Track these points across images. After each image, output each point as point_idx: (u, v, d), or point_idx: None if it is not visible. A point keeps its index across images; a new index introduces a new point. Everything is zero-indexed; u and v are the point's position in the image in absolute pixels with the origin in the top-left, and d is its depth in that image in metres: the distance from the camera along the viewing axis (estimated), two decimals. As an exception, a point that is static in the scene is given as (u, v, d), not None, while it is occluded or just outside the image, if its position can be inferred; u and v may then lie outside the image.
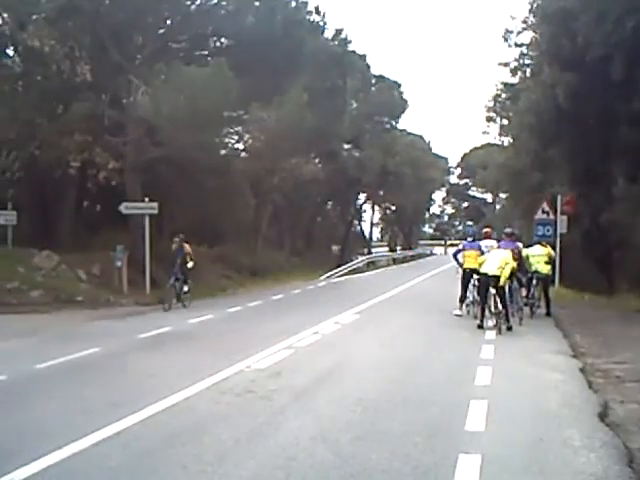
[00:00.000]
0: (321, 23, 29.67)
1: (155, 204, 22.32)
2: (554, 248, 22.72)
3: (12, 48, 23.63)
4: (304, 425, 7.04)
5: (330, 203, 54.86)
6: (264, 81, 23.60)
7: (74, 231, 25.98)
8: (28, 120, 22.37)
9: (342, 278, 36.01)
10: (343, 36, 34.34)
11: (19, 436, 6.69)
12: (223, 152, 31.54)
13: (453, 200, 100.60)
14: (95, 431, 6.66)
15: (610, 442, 6.49)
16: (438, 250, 72.48)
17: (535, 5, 25.21)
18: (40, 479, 5.49)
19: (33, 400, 8.19)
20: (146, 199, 22.45)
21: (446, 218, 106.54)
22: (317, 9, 28.85)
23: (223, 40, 26.84)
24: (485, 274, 14.48)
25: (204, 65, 22.43)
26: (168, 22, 25.19)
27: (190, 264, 19.46)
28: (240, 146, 32.54)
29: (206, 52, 26.53)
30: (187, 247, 19.64)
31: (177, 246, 19.49)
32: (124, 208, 22.59)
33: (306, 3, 27.65)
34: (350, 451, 6.17)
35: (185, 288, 19.35)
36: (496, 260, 14.48)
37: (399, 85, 55.05)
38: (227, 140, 31.46)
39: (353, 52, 40.67)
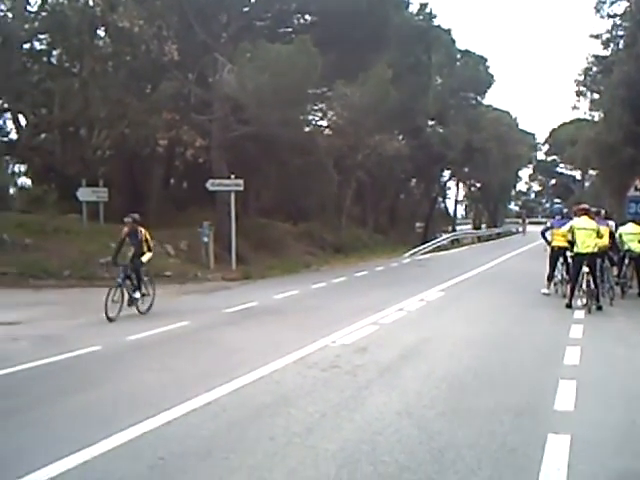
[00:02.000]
0: (405, -2, 29.39)
1: (241, 181, 22.62)
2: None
3: (103, 29, 24.20)
4: (389, 400, 7.06)
5: (414, 180, 54.38)
6: (348, 57, 23.52)
7: (162, 207, 26.66)
8: (118, 99, 22.97)
9: (426, 255, 35.74)
10: (428, 11, 34.05)
11: (114, 404, 6.94)
12: (307, 129, 31.71)
13: (540, 177, 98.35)
14: (186, 401, 6.87)
15: None
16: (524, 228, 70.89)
17: (630, -26, 24.26)
18: (136, 444, 5.69)
19: (126, 370, 8.48)
20: (232, 176, 22.77)
21: (533, 196, 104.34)
22: (402, -16, 28.57)
23: (307, 17, 26.88)
24: (579, 253, 14.11)
25: (288, 42, 22.50)
26: (252, 0, 25.36)
27: (146, 256, 13.60)
28: (324, 123, 32.66)
29: (290, 29, 26.60)
30: (144, 232, 13.69)
31: (129, 230, 13.48)
32: (210, 185, 23.00)
33: (390, -22, 27.33)
34: (436, 427, 6.16)
35: (137, 294, 13.34)
36: (590, 238, 14.09)
37: (485, 60, 53.95)
38: (311, 117, 31.61)
39: (438, 27, 40.14)
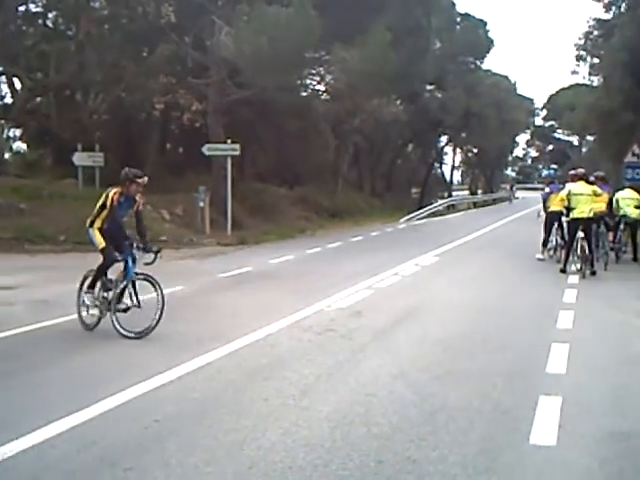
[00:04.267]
0: (405, -40, 28.94)
1: (237, 146, 22.52)
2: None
3: (99, -9, 23.98)
4: (384, 363, 7.13)
5: (411, 145, 54.21)
6: (347, 20, 23.23)
7: (158, 172, 26.53)
8: (114, 63, 22.79)
9: (422, 221, 35.78)
10: (427, -27, 33.45)
11: (109, 368, 7.03)
12: (304, 94, 31.49)
13: (537, 143, 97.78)
14: (180, 364, 6.93)
15: (697, 390, 6.36)
16: (520, 194, 70.59)
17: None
18: (131, 407, 5.76)
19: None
20: (228, 141, 22.67)
21: (529, 161, 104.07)
22: (401, -55, 28.11)
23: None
24: (575, 218, 14.12)
25: (287, 5, 22.23)
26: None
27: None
28: (321, 87, 32.40)
29: (289, -9, 26.28)
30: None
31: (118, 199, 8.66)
32: (206, 150, 22.91)
33: (389, -61, 26.93)
34: (429, 389, 6.23)
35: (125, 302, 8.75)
36: (586, 203, 14.10)
37: (485, 24, 53.32)
38: (308, 81, 31.36)
39: (438, -11, 39.62)
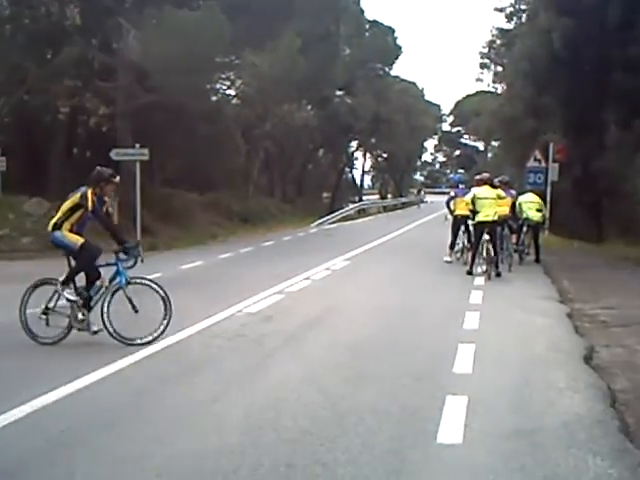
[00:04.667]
0: (314, -34, 29.17)
1: (146, 150, 22.12)
2: (545, 195, 22.89)
3: (-1, -10, 23.23)
4: (294, 368, 7.14)
5: (322, 150, 54.58)
6: (257, 26, 23.20)
7: (64, 177, 25.82)
8: (16, 64, 22.07)
9: (333, 225, 36.07)
10: (337, -20, 33.81)
11: (9, 379, 6.79)
12: (214, 98, 31.29)
13: (445, 148, 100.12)
14: (89, 373, 6.76)
15: (594, 384, 6.62)
16: (429, 198, 71.93)
17: (531, -51, 24.84)
18: (31, 419, 5.58)
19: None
20: (137, 145, 22.27)
21: (437, 166, 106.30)
22: (310, -48, 28.33)
23: (216, -17, 26.37)
24: (480, 222, 14.51)
25: (196, 9, 22.06)
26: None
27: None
28: (232, 92, 32.33)
29: (198, -5, 26.07)
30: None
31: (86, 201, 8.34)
32: (114, 154, 22.39)
33: (299, -54, 27.10)
34: (339, 392, 6.28)
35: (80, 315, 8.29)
36: (491, 207, 14.51)
37: (393, 31, 54.26)
38: (219, 86, 31.21)
39: (347, -4, 40.08)
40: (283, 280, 13.22)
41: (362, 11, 48.14)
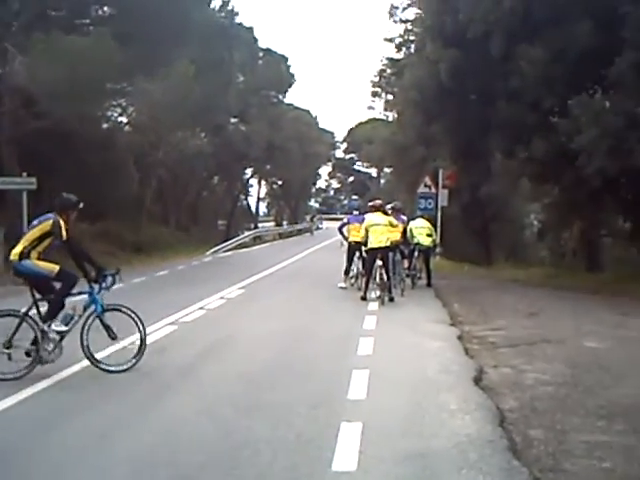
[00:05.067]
0: (207, -6, 29.30)
1: (33, 179, 21.39)
2: (435, 221, 23.52)
3: None
4: (188, 400, 7.03)
5: (216, 178, 54.30)
6: (149, 52, 23.00)
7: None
8: None
9: (228, 253, 35.84)
10: (229, 8, 34.02)
11: None
12: (106, 125, 30.71)
13: (339, 174, 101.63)
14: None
15: (484, 404, 6.81)
16: (325, 224, 72.60)
17: (419, -18, 25.63)
18: None
19: None
20: (24, 174, 21.52)
21: (332, 192, 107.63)
22: (203, -21, 28.46)
23: (105, 9, 25.99)
24: (373, 247, 14.74)
25: (85, 34, 21.65)
26: (46, -12, 24.18)
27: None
28: (124, 119, 31.79)
29: (87, 21, 25.59)
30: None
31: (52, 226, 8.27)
32: (0, 183, 21.61)
33: (192, -27, 27.17)
34: (234, 424, 6.22)
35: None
36: (383, 233, 14.77)
37: (286, 59, 54.95)
38: (110, 113, 30.66)
39: (240, 24, 40.29)
40: (177, 310, 12.99)
41: (255, 39, 48.54)
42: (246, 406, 6.78)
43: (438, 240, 21.45)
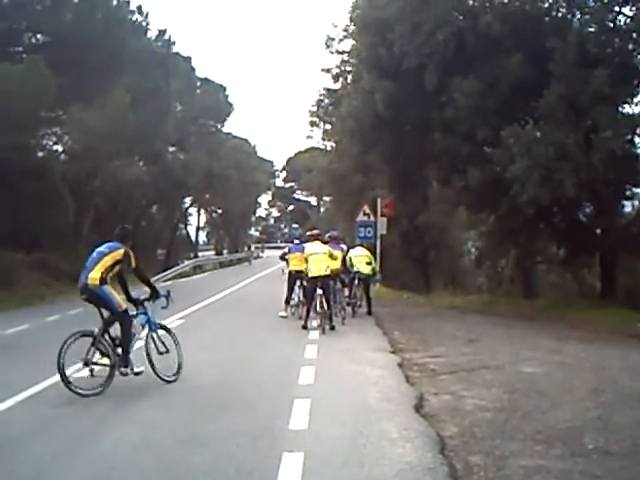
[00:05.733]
0: (144, 23, 29.32)
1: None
2: (375, 249, 23.73)
3: None
4: (127, 433, 6.90)
5: (155, 207, 53.72)
6: (84, 81, 22.83)
7: None
8: None
9: (168, 282, 35.34)
10: (166, 37, 33.99)
11: None
12: (41, 154, 30.21)
13: (279, 203, 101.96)
14: None
15: (424, 432, 6.85)
16: (269, 253, 72.41)
17: (355, 14, 26.02)
18: None
19: None
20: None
21: (272, 221, 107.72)
22: (140, 8, 28.54)
23: (39, 36, 25.72)
24: (313, 277, 14.79)
25: (18, 62, 21.35)
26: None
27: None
28: (59, 148, 31.32)
29: (21, 48, 25.29)
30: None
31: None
32: None
33: (128, 2, 27.16)
34: (174, 455, 6.13)
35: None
36: (322, 262, 14.84)
37: (224, 88, 55.11)
38: (45, 141, 30.18)
39: (177, 54, 40.26)
40: (115, 342, 12.74)
41: (193, 69, 48.49)
42: (186, 437, 6.68)
43: (378, 268, 21.62)
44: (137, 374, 9.00)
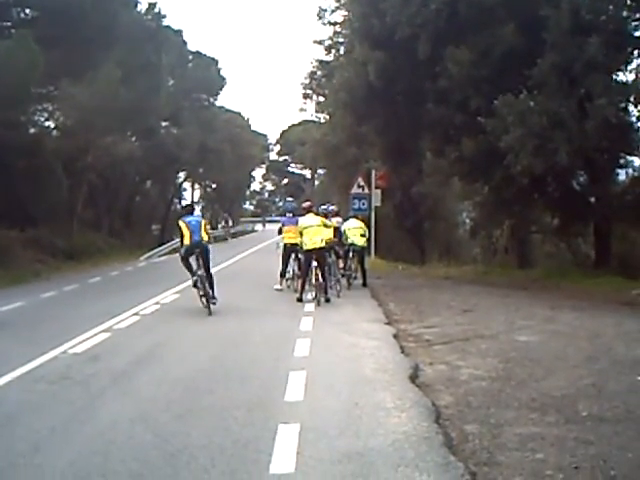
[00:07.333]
0: (134, -4, 28.97)
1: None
2: (369, 221, 23.73)
3: None
4: (123, 408, 6.92)
5: (149, 182, 53.56)
6: (75, 56, 22.60)
7: None
8: None
9: (163, 258, 35.43)
10: (157, 10, 33.69)
11: None
12: (32, 130, 30.03)
13: (273, 177, 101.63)
14: None
15: (419, 402, 6.88)
16: (259, 227, 72.36)
17: (346, -16, 25.79)
18: None
19: None
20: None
21: (267, 195, 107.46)
22: (129, -19, 28.11)
23: (27, 11, 25.42)
24: (308, 249, 14.79)
25: (6, 37, 21.13)
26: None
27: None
28: (51, 124, 31.12)
29: (9, 23, 24.99)
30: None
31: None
32: None
33: (117, -26, 26.78)
34: (170, 430, 6.15)
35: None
36: (317, 235, 14.81)
37: (217, 62, 54.61)
38: (36, 118, 29.98)
39: (168, 27, 39.96)
40: (110, 317, 12.79)
41: (184, 42, 48.10)
42: (183, 411, 6.71)
43: (373, 240, 21.64)
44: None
